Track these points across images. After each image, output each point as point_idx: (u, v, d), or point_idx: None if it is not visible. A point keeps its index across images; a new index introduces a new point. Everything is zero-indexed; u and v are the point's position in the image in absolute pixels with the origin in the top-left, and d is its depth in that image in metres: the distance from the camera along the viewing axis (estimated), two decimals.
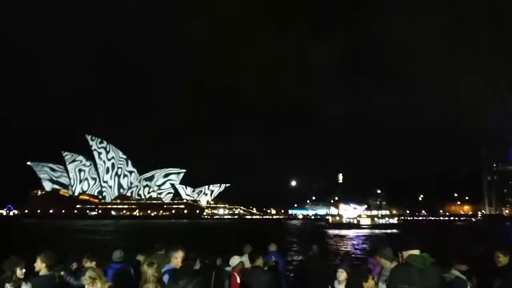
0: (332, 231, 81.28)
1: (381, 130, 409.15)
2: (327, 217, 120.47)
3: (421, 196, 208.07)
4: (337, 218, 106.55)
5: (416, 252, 4.38)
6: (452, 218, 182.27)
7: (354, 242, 53.28)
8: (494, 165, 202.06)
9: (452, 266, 5.43)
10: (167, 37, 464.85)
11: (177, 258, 5.63)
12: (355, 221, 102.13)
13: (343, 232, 79.26)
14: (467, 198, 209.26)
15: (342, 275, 5.19)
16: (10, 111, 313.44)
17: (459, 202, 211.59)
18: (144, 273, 4.94)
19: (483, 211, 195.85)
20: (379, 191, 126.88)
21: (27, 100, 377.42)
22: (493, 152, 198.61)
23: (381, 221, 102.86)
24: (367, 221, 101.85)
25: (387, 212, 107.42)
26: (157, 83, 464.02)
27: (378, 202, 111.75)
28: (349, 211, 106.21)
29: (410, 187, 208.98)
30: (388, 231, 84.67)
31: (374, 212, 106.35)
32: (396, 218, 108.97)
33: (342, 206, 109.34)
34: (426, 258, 4.32)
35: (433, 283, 4.25)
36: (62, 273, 6.04)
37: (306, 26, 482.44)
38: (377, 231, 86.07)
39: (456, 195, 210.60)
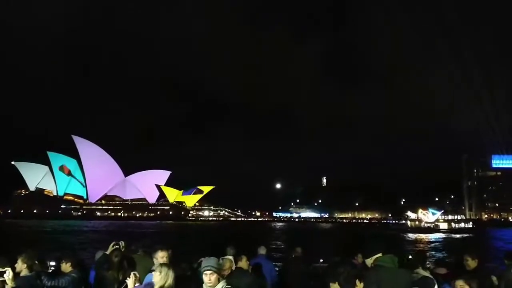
0: (412, 235, 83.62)
1: (361, 134, 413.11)
2: (404, 221, 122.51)
3: (403, 200, 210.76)
4: (417, 222, 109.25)
5: (380, 255, 4.53)
6: None
7: (432, 246, 54.56)
8: (475, 171, 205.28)
9: (417, 267, 5.40)
10: (148, 35, 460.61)
11: (157, 259, 5.65)
12: (433, 226, 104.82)
13: (422, 236, 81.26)
14: (448, 202, 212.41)
15: None
16: None
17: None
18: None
19: (463, 215, 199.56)
20: (452, 196, 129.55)
21: (10, 99, 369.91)
22: (474, 158, 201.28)
23: (457, 225, 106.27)
24: (445, 226, 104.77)
25: (463, 217, 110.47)
26: (140, 84, 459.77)
27: (453, 207, 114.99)
28: (427, 216, 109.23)
29: (391, 191, 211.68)
30: (465, 235, 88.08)
31: (451, 217, 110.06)
32: (471, 223, 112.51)
33: (421, 210, 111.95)
34: (394, 259, 4.49)
35: (403, 283, 4.40)
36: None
37: (287, 30, 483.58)
38: (453, 235, 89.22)
39: (437, 199, 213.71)
